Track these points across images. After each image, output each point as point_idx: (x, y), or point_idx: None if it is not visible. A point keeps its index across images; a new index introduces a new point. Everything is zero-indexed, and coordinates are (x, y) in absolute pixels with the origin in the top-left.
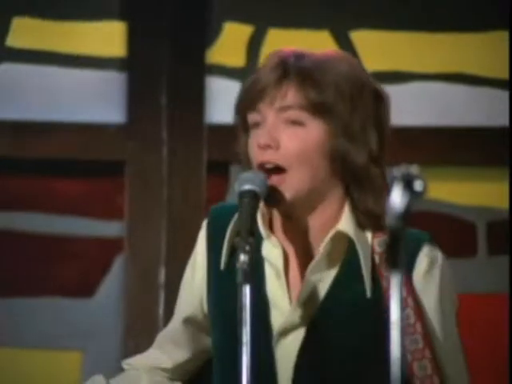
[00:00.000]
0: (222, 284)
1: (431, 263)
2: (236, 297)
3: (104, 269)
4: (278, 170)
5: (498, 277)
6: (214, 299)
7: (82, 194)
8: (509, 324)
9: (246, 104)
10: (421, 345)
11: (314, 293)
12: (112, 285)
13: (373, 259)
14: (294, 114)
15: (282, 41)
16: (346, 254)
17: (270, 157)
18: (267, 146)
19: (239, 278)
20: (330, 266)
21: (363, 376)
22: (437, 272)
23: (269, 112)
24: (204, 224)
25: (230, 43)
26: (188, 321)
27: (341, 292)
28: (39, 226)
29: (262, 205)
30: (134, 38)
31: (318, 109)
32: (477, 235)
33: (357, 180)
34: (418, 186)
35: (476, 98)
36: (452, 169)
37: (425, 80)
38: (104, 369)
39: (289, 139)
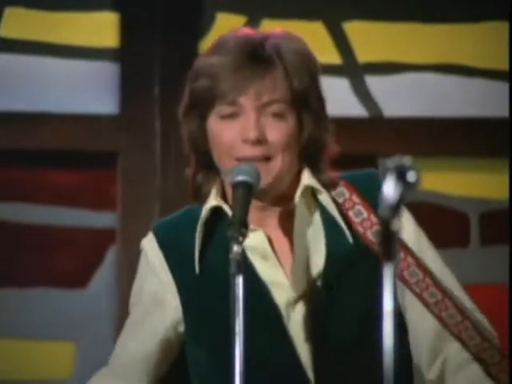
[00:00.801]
0: (198, 292)
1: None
2: (221, 300)
3: (97, 260)
4: (264, 159)
5: (491, 267)
6: (192, 310)
7: (74, 185)
8: (509, 314)
9: (217, 95)
10: (439, 296)
11: (307, 259)
12: (105, 275)
13: (342, 211)
14: (279, 106)
15: None
16: (318, 212)
17: (259, 152)
18: (257, 142)
19: (232, 268)
20: (310, 224)
21: (373, 329)
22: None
23: (250, 105)
24: (149, 246)
25: (222, 33)
26: (166, 334)
27: (330, 248)
28: (32, 218)
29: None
30: (126, 29)
31: (297, 99)
32: (469, 226)
33: (315, 155)
34: (411, 177)
35: (470, 88)
36: (445, 160)
37: (418, 71)
38: (97, 359)
39: (275, 133)
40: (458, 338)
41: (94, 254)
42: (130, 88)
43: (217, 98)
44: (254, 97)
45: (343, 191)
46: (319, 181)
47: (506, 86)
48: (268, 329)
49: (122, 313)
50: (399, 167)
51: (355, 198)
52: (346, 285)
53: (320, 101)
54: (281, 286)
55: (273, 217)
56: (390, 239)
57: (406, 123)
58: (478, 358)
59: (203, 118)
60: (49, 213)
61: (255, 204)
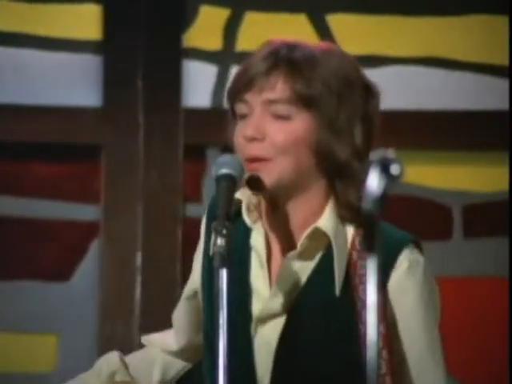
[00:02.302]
0: (210, 268)
1: (412, 265)
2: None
3: (80, 253)
4: (263, 159)
5: (473, 260)
6: (205, 282)
7: (58, 178)
8: (508, 308)
9: (234, 94)
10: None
11: (291, 283)
12: (88, 269)
13: (350, 255)
14: (282, 108)
15: (258, 24)
16: (325, 248)
17: (257, 152)
18: (253, 139)
19: (216, 262)
20: (307, 258)
21: (339, 371)
22: (418, 272)
23: (256, 103)
24: (205, 213)
25: (206, 27)
26: (191, 297)
27: (316, 286)
28: (15, 210)
29: (250, 194)
30: (109, 21)
31: (304, 102)
32: (452, 218)
33: (340, 175)
34: (394, 169)
35: (455, 82)
36: (428, 153)
37: (403, 64)
38: (80, 352)
39: (275, 133)
40: None
41: (77, 247)
42: (113, 80)
43: (235, 98)
44: (257, 92)
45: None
46: (344, 210)
47: (491, 79)
48: (238, 339)
49: (105, 305)
50: (383, 160)
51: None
52: (320, 326)
53: (343, 112)
54: (262, 299)
55: (283, 219)
56: (372, 232)
57: (391, 116)
58: None
59: (234, 120)
60: (32, 205)
61: (267, 198)
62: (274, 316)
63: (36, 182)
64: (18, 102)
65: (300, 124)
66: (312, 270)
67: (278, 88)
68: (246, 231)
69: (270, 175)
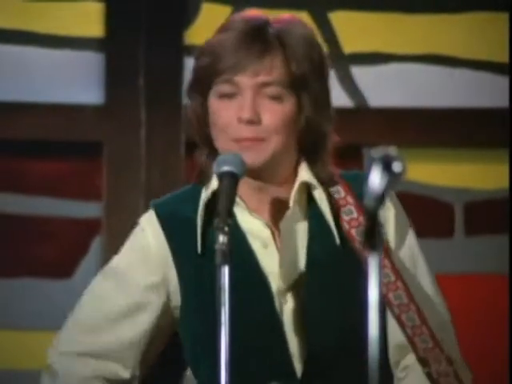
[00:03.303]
0: (199, 270)
1: (395, 202)
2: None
3: (82, 250)
4: (257, 140)
5: (475, 258)
6: (193, 286)
7: (59, 175)
8: (509, 305)
9: (218, 73)
10: (405, 300)
11: (294, 249)
12: (90, 266)
13: (334, 209)
14: (276, 89)
15: None
16: (310, 207)
17: (252, 133)
18: (250, 122)
19: (218, 259)
20: (300, 220)
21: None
22: (393, 197)
23: (247, 85)
24: (148, 221)
25: (207, 24)
26: (133, 312)
27: (318, 244)
28: (17, 208)
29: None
30: (111, 19)
31: (296, 82)
32: (454, 216)
33: (315, 145)
34: (396, 167)
35: (455, 79)
36: (429, 150)
37: (404, 61)
38: None
39: (270, 115)
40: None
41: (78, 244)
42: (115, 78)
43: (216, 76)
44: (251, 76)
45: (339, 190)
46: (317, 174)
47: (491, 77)
48: (262, 316)
49: None
50: (385, 157)
51: (349, 199)
52: (330, 279)
53: (322, 88)
54: (274, 274)
55: (270, 203)
56: (374, 230)
57: (392, 114)
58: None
59: (205, 96)
60: (34, 203)
61: (251, 184)
62: (289, 289)
63: (38, 179)
64: (19, 100)
65: (290, 105)
66: (308, 233)
67: (275, 71)
68: (234, 220)
69: (264, 153)
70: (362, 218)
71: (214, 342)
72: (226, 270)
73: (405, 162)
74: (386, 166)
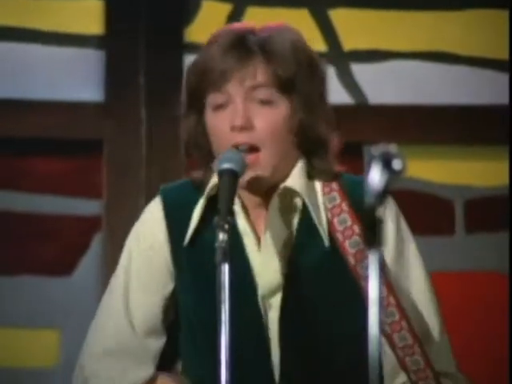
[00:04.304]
0: (193, 261)
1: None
2: (213, 268)
3: (82, 247)
4: (252, 149)
5: (476, 255)
6: (187, 276)
7: (60, 173)
8: (509, 303)
9: (208, 85)
10: (397, 317)
11: (274, 257)
12: (90, 263)
13: (326, 215)
14: (265, 92)
15: (260, 19)
16: (301, 212)
17: (246, 139)
18: (243, 128)
19: (218, 257)
20: (287, 225)
21: (342, 324)
22: (392, 205)
23: (237, 92)
24: (155, 206)
25: (208, 22)
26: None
27: (304, 248)
28: (17, 205)
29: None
30: (112, 16)
31: (285, 85)
32: (454, 213)
33: (316, 148)
34: (396, 164)
35: (455, 76)
36: (429, 147)
37: (404, 58)
38: (82, 347)
39: (261, 120)
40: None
41: (79, 242)
42: (115, 75)
43: (207, 88)
44: (238, 83)
45: (335, 196)
46: (314, 172)
47: (491, 74)
48: (248, 318)
49: None
50: (385, 155)
51: (344, 206)
52: (312, 291)
53: (314, 90)
54: (263, 278)
55: (266, 203)
56: (374, 226)
57: (392, 111)
58: None
59: (200, 112)
60: (34, 201)
61: (252, 200)
62: (275, 289)
63: (38, 176)
64: (19, 97)
65: (283, 109)
66: (295, 236)
67: (260, 74)
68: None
69: (264, 168)
70: (356, 227)
71: (207, 338)
72: (226, 268)
73: (405, 160)
74: (386, 163)
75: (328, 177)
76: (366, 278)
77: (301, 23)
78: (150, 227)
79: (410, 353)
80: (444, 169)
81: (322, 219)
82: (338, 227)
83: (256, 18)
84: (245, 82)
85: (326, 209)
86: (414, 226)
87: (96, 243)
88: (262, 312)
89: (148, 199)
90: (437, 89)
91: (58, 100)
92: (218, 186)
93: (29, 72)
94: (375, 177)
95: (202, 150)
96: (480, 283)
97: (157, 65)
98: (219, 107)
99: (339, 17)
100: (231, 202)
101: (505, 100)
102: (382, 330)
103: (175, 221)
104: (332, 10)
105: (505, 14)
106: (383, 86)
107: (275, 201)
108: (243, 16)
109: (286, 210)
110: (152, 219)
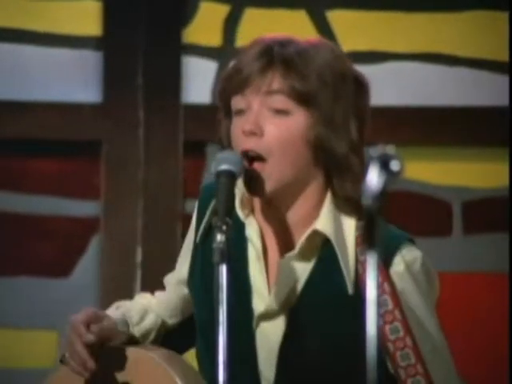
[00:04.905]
0: (203, 259)
1: (409, 263)
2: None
3: (80, 248)
4: (260, 158)
5: (473, 256)
6: (197, 272)
7: (57, 174)
8: (509, 304)
9: (231, 90)
10: (402, 333)
11: (290, 284)
12: (88, 264)
13: (356, 253)
14: (280, 101)
15: (258, 20)
16: (322, 247)
17: (253, 145)
18: (252, 133)
19: (215, 257)
20: (305, 259)
21: (343, 370)
22: (415, 270)
23: (254, 99)
24: (197, 201)
25: (206, 23)
26: (180, 283)
27: (319, 285)
28: (15, 206)
29: (242, 187)
30: (109, 17)
31: (302, 98)
32: (452, 215)
33: (337, 169)
34: (394, 165)
35: (454, 77)
36: (427, 149)
37: (402, 60)
38: None
39: (273, 128)
40: None
41: (77, 243)
42: (113, 77)
43: (231, 92)
44: (256, 90)
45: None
46: (343, 203)
47: (490, 75)
48: (239, 334)
49: (104, 302)
50: (383, 156)
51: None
52: (325, 324)
53: (339, 109)
54: (260, 295)
55: (279, 216)
56: (372, 227)
57: (390, 112)
58: None
59: (229, 118)
60: (32, 202)
61: (262, 198)
62: (275, 314)
63: (36, 178)
64: (17, 99)
65: (298, 120)
66: (311, 270)
67: (276, 83)
68: (241, 223)
69: (269, 177)
70: (386, 286)
71: (211, 335)
72: (223, 269)
73: (402, 161)
74: (384, 164)
75: (353, 210)
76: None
77: (298, 24)
78: (192, 220)
79: (412, 373)
80: (442, 170)
81: (347, 260)
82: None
83: (254, 19)
84: (261, 88)
85: (357, 260)
86: (412, 227)
87: (94, 244)
88: (254, 329)
89: (146, 200)
90: (435, 90)
91: (57, 101)
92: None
93: (27, 73)
94: (373, 178)
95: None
96: (477, 284)
97: (155, 66)
98: (240, 112)
99: (337, 18)
100: (229, 203)
101: (505, 102)
102: (385, 349)
103: (202, 216)
104: (330, 11)
105: (504, 15)
106: (381, 87)
107: (304, 244)
108: (241, 17)
109: (310, 246)
110: (194, 212)
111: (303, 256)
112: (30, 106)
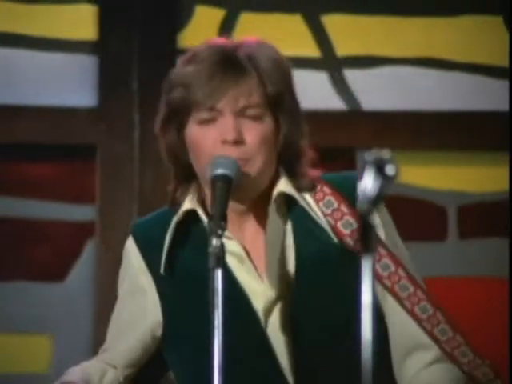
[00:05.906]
0: (176, 292)
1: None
2: (195, 300)
3: (75, 253)
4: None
5: (468, 261)
6: (176, 310)
7: (52, 178)
8: (509, 309)
9: (197, 103)
10: (411, 289)
11: (280, 262)
12: (83, 269)
13: (321, 208)
14: (256, 111)
15: (253, 25)
16: (291, 211)
17: (238, 153)
18: (236, 143)
19: (211, 262)
20: (282, 230)
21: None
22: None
23: (228, 109)
24: (130, 246)
25: (201, 27)
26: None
27: (305, 241)
28: (10, 211)
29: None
30: (105, 21)
31: (273, 103)
32: (447, 219)
33: (294, 155)
34: (389, 170)
35: (448, 82)
36: (422, 153)
37: (397, 64)
38: (74, 353)
39: (252, 134)
40: (451, 357)
41: (71, 248)
42: (108, 81)
43: (193, 106)
44: (232, 102)
45: (331, 201)
46: (297, 187)
47: (487, 80)
48: (247, 335)
49: (99, 306)
50: (378, 160)
51: (344, 208)
52: (321, 286)
53: (295, 105)
54: (256, 291)
55: (250, 221)
56: (368, 232)
57: (385, 117)
58: (471, 377)
59: (181, 127)
60: (27, 206)
61: (235, 208)
62: (276, 302)
63: (31, 182)
64: (12, 103)
65: (270, 123)
66: (292, 232)
67: (254, 94)
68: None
69: (247, 174)
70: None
71: (203, 363)
72: (219, 273)
73: (398, 165)
74: (379, 168)
75: (308, 184)
76: (381, 278)
77: (294, 29)
78: (134, 271)
79: (435, 323)
80: (436, 175)
81: (321, 219)
82: (345, 231)
83: (249, 24)
84: (238, 100)
85: (325, 215)
86: (407, 231)
87: (89, 249)
88: (262, 321)
89: (141, 204)
90: (431, 95)
91: (52, 105)
92: (186, 212)
93: (22, 78)
94: (368, 182)
95: (180, 164)
96: (473, 289)
97: (150, 70)
98: (206, 121)
99: (333, 22)
100: (225, 208)
101: (503, 106)
102: (403, 306)
103: (149, 252)
104: (325, 15)
105: (500, 19)
106: (376, 91)
107: (273, 207)
108: (237, 21)
109: (280, 214)
110: (128, 256)
111: (279, 226)
112: (25, 110)
